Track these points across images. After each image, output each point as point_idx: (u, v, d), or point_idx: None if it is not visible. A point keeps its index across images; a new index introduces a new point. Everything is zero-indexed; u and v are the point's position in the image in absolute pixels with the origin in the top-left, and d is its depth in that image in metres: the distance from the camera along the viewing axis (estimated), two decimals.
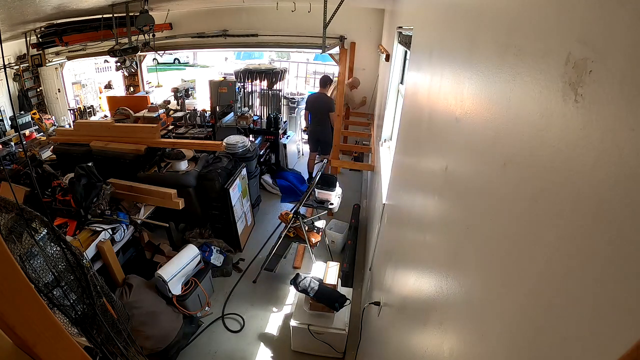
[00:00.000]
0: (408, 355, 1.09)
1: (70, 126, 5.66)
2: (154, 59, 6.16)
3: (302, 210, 3.57)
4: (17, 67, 5.15)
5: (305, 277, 2.76)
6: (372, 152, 4.35)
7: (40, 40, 4.82)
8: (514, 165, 0.53)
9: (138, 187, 3.18)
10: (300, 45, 5.60)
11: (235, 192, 3.69)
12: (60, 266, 1.44)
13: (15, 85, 5.28)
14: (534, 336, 0.42)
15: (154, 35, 4.40)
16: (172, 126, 5.27)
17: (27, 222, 1.38)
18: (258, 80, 6.09)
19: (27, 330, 0.70)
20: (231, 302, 3.32)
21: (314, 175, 3.75)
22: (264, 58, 10.56)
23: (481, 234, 0.63)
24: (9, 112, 4.99)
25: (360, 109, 5.94)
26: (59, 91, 5.78)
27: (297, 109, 6.74)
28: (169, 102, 5.92)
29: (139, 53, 5.12)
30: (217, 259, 3.45)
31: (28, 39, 4.82)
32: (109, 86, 7.30)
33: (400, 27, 2.88)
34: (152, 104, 5.85)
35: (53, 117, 5.59)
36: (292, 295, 3.39)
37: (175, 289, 2.86)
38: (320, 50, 4.23)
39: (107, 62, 7.30)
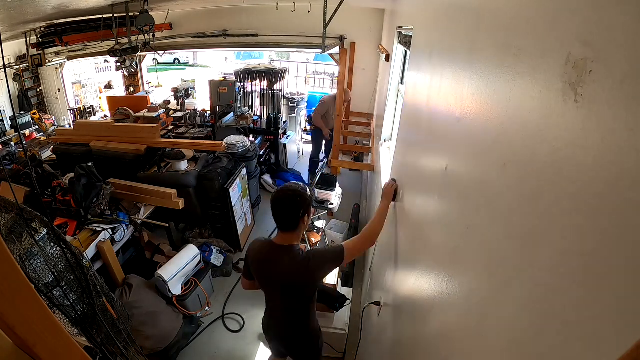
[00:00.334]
0: (408, 355, 1.09)
1: (70, 126, 5.66)
2: (154, 59, 6.16)
3: None
4: (17, 67, 5.15)
5: None
6: (372, 152, 4.35)
7: (40, 40, 4.82)
8: (514, 165, 0.53)
9: (138, 187, 3.18)
10: (300, 45, 5.60)
11: (235, 192, 3.69)
12: (60, 266, 1.44)
13: (15, 85, 5.28)
14: (533, 336, 0.42)
15: (154, 35, 4.40)
16: (172, 126, 5.27)
17: (27, 222, 1.38)
18: (258, 80, 6.09)
19: (27, 330, 0.70)
20: (231, 302, 3.31)
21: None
22: (264, 58, 10.57)
23: (481, 234, 0.63)
24: (9, 112, 5.00)
25: (360, 109, 5.94)
26: (59, 91, 5.78)
27: (297, 109, 6.74)
28: (169, 102, 5.92)
29: (139, 53, 5.12)
30: (217, 259, 3.45)
31: (28, 39, 4.82)
32: (109, 86, 7.30)
33: (400, 27, 2.88)
34: (152, 104, 5.85)
35: (53, 117, 5.59)
36: None
37: (175, 289, 2.86)
38: (320, 50, 4.23)
39: (107, 62, 7.31)
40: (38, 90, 5.58)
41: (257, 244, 1.73)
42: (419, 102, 1.54)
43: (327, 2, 3.27)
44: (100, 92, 6.97)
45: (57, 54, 5.52)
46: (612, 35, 0.33)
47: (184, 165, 3.61)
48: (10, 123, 4.96)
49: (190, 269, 3.03)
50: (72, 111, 5.97)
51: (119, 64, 4.62)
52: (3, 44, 1.01)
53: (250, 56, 12.45)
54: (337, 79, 6.17)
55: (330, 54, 5.43)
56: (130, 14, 4.20)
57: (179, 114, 5.34)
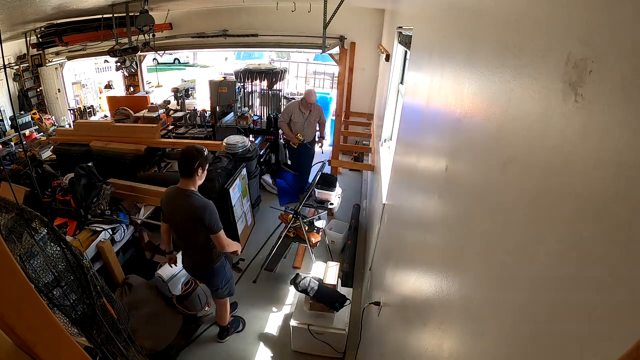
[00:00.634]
0: (408, 355, 1.09)
1: (70, 126, 5.67)
2: (154, 59, 6.16)
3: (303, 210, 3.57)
4: (17, 67, 5.15)
5: (305, 277, 2.76)
6: (372, 152, 4.35)
7: (40, 40, 4.82)
8: (514, 165, 0.53)
9: (138, 187, 3.18)
10: (300, 45, 5.60)
11: (235, 192, 3.69)
12: (60, 266, 1.44)
13: (15, 85, 5.28)
14: (533, 336, 0.42)
15: (154, 35, 4.40)
16: (172, 126, 5.27)
17: (27, 222, 1.38)
18: (258, 80, 6.09)
19: (27, 330, 0.70)
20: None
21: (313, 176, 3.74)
22: (264, 58, 10.57)
23: (481, 234, 0.63)
24: (9, 112, 5.00)
25: (360, 109, 5.94)
26: (59, 91, 5.78)
27: None
28: (169, 102, 5.92)
29: (139, 53, 5.13)
30: None
31: (28, 39, 4.82)
32: (109, 86, 7.30)
33: (400, 27, 2.88)
34: (152, 104, 5.85)
35: (53, 117, 5.59)
36: (292, 295, 3.39)
37: (175, 289, 2.86)
38: (320, 50, 4.24)
39: (107, 62, 7.31)
40: (38, 90, 5.58)
41: (168, 190, 2.33)
42: (419, 102, 1.54)
43: (327, 2, 3.27)
44: (100, 92, 6.97)
45: (57, 54, 5.52)
46: (612, 35, 0.33)
47: None
48: (10, 123, 4.96)
49: None
50: (72, 111, 5.97)
51: (119, 64, 4.62)
52: (3, 44, 1.01)
53: (250, 56, 12.45)
54: (337, 79, 6.17)
55: (330, 54, 5.42)
56: (130, 14, 4.20)
57: (179, 114, 5.34)
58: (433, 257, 0.96)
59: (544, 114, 0.44)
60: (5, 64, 4.76)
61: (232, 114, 5.24)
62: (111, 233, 2.72)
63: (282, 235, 3.54)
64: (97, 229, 2.68)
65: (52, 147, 4.13)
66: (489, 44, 0.70)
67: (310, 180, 4.55)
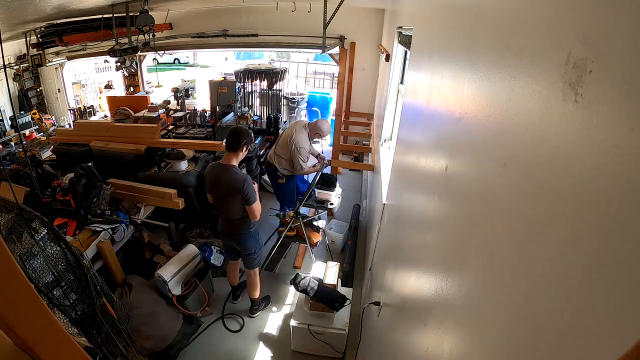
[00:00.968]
0: (408, 355, 1.09)
1: (70, 126, 5.67)
2: (154, 59, 6.16)
3: (304, 210, 3.57)
4: (17, 67, 5.15)
5: (305, 277, 2.76)
6: (372, 152, 4.35)
7: (40, 40, 4.82)
8: (514, 165, 0.53)
9: (138, 187, 3.18)
10: (300, 45, 5.60)
11: None
12: (60, 266, 1.44)
13: (15, 85, 5.28)
14: (534, 336, 0.42)
15: (154, 35, 4.40)
16: (172, 126, 5.26)
17: (27, 222, 1.38)
18: (258, 80, 6.09)
19: (27, 330, 0.70)
20: (231, 302, 3.32)
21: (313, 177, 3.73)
22: (264, 58, 10.57)
23: (481, 234, 0.63)
24: (9, 112, 4.99)
25: (360, 109, 5.94)
26: (59, 91, 5.78)
27: (297, 109, 6.74)
28: (169, 102, 5.92)
29: (139, 53, 5.12)
30: (217, 259, 3.45)
31: (28, 39, 4.82)
32: (109, 86, 7.30)
33: (400, 27, 2.88)
34: (152, 104, 5.85)
35: (53, 117, 5.59)
36: (292, 295, 3.39)
37: (175, 289, 2.86)
38: (320, 50, 4.23)
39: (107, 62, 7.31)
40: (38, 90, 5.58)
41: (211, 165, 2.71)
42: (419, 102, 1.54)
43: (327, 2, 3.28)
44: (100, 92, 6.97)
45: (57, 54, 5.52)
46: (612, 35, 0.33)
47: (184, 165, 3.61)
48: (10, 123, 4.96)
49: (190, 269, 3.03)
50: (72, 111, 5.97)
51: (119, 64, 4.62)
52: (3, 44, 1.01)
53: (250, 56, 12.46)
54: (337, 79, 6.17)
55: (330, 54, 5.42)
56: (130, 14, 4.20)
57: (179, 114, 5.34)
58: (433, 257, 0.96)
59: (544, 114, 0.44)
60: (5, 64, 4.76)
61: (232, 114, 5.24)
62: (111, 233, 2.72)
63: (282, 235, 3.54)
64: (97, 229, 2.68)
65: (52, 147, 4.13)
66: (489, 44, 0.70)
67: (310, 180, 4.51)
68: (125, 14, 4.19)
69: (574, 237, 0.36)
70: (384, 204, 2.39)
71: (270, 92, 6.22)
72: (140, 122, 5.14)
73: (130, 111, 5.48)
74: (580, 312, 0.34)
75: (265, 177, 5.23)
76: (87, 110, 6.09)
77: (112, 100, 6.07)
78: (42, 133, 5.15)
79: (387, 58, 3.66)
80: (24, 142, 4.68)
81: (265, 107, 6.35)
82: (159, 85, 7.57)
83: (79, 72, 6.55)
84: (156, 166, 3.72)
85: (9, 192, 1.78)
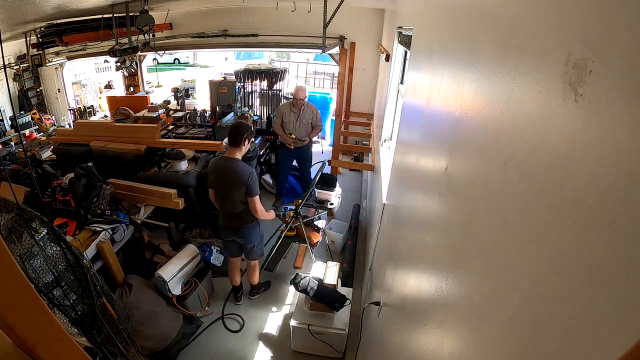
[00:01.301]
0: (408, 355, 1.09)
1: (70, 126, 5.66)
2: (154, 59, 6.16)
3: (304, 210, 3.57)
4: (17, 67, 5.15)
5: (305, 277, 2.76)
6: (372, 152, 4.35)
7: (40, 40, 4.82)
8: (514, 165, 0.53)
9: (138, 187, 3.18)
10: (300, 45, 5.60)
11: None
12: (60, 266, 1.44)
13: (15, 85, 5.28)
14: (533, 336, 0.42)
15: (154, 35, 4.40)
16: (172, 126, 5.26)
17: (27, 222, 1.38)
18: (258, 80, 6.09)
19: (27, 330, 0.70)
20: (231, 302, 3.32)
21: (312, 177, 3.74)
22: (264, 58, 10.57)
23: (481, 234, 0.63)
24: (9, 112, 4.99)
25: (360, 109, 5.94)
26: (59, 91, 5.78)
27: None
28: (169, 102, 5.92)
29: (139, 53, 5.12)
30: (217, 259, 3.44)
31: (28, 39, 4.82)
32: (109, 86, 7.30)
33: (400, 27, 2.88)
34: (152, 104, 5.85)
35: (53, 117, 5.59)
36: (292, 295, 3.39)
37: (175, 289, 2.86)
38: (320, 50, 4.23)
39: (107, 62, 7.31)
40: (38, 90, 5.58)
41: (215, 159, 2.80)
42: (419, 102, 1.54)
43: (327, 2, 3.28)
44: (100, 92, 6.97)
45: (57, 54, 5.52)
46: (612, 35, 0.33)
47: (184, 165, 3.61)
48: (10, 123, 4.96)
49: (190, 269, 3.03)
50: (72, 111, 5.97)
51: (119, 64, 4.62)
52: (3, 44, 1.01)
53: (250, 56, 12.46)
54: (337, 79, 6.17)
55: (330, 54, 5.42)
56: (130, 14, 4.20)
57: (179, 114, 5.34)
58: (433, 256, 0.96)
59: (544, 114, 0.44)
60: (5, 64, 4.76)
61: (232, 114, 5.24)
62: (111, 233, 2.72)
63: (282, 235, 3.54)
64: (97, 229, 2.68)
65: (52, 147, 4.13)
66: (489, 44, 0.70)
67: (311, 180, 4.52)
68: (125, 14, 4.19)
69: (574, 237, 0.36)
70: (384, 204, 2.39)
71: (270, 92, 6.22)
72: (140, 122, 5.14)
73: (130, 111, 5.48)
74: (580, 311, 0.34)
75: (266, 177, 5.23)
76: (87, 110, 6.09)
77: (112, 100, 6.07)
78: (42, 133, 5.15)
79: (387, 58, 3.66)
80: (24, 142, 4.68)
81: (265, 107, 6.34)
82: (159, 85, 7.57)
83: (79, 72, 6.55)
84: (156, 166, 3.72)
85: (9, 192, 1.78)
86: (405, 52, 3.02)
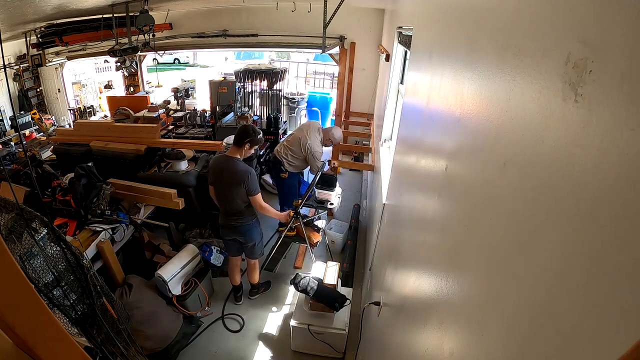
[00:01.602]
0: (408, 355, 1.09)
1: (70, 126, 5.67)
2: (154, 59, 6.16)
3: (304, 210, 3.57)
4: (17, 67, 5.15)
5: (305, 277, 2.76)
6: (372, 152, 4.35)
7: (40, 40, 4.82)
8: (514, 165, 0.53)
9: (138, 187, 3.18)
10: (300, 45, 5.60)
11: None
12: (60, 266, 1.44)
13: (15, 85, 5.28)
14: (534, 336, 0.42)
15: (154, 35, 4.40)
16: (172, 126, 5.27)
17: (27, 222, 1.38)
18: (258, 80, 6.09)
19: (27, 330, 0.70)
20: (231, 302, 3.32)
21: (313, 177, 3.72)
22: (264, 58, 10.57)
23: (481, 234, 0.63)
24: (9, 112, 5.00)
25: (360, 109, 5.94)
26: (59, 91, 5.78)
27: (297, 109, 6.73)
28: (169, 102, 5.92)
29: (139, 53, 5.13)
30: (217, 259, 3.45)
31: (28, 39, 4.83)
32: (109, 86, 7.30)
33: (400, 27, 2.88)
34: (152, 104, 5.85)
35: (53, 117, 5.59)
36: (292, 295, 3.39)
37: (175, 289, 2.86)
38: (320, 50, 4.24)
39: (107, 62, 7.31)
40: (38, 90, 5.59)
41: (216, 157, 2.85)
42: (419, 102, 1.54)
43: (327, 2, 3.28)
44: (100, 92, 6.97)
45: (57, 54, 5.52)
46: (612, 35, 0.33)
47: (184, 165, 3.61)
48: (10, 123, 4.96)
49: (190, 269, 3.03)
50: (72, 111, 5.97)
51: (119, 64, 4.62)
52: (3, 44, 1.01)
53: (250, 56, 12.45)
54: (337, 79, 6.17)
55: (330, 54, 5.43)
56: (130, 14, 4.20)
57: (179, 114, 5.34)
58: (433, 256, 0.95)
59: (544, 114, 0.44)
60: (5, 64, 4.76)
61: (232, 114, 5.24)
62: (111, 233, 2.72)
63: (282, 236, 3.54)
64: (97, 229, 2.68)
65: (52, 147, 4.13)
66: (489, 44, 0.70)
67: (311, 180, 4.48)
68: (125, 14, 4.19)
69: (574, 237, 0.36)
70: (384, 204, 2.39)
71: (270, 92, 6.22)
72: (140, 122, 5.15)
73: (130, 111, 5.48)
74: (581, 311, 0.34)
75: (266, 177, 5.23)
76: (87, 110, 6.09)
77: (112, 100, 6.07)
78: (42, 133, 5.15)
79: (387, 58, 3.66)
80: (24, 142, 4.68)
81: (265, 107, 6.34)
82: (159, 85, 7.58)
83: (79, 72, 6.55)
84: (156, 166, 3.72)
85: (9, 192, 1.78)
86: (405, 52, 3.02)
